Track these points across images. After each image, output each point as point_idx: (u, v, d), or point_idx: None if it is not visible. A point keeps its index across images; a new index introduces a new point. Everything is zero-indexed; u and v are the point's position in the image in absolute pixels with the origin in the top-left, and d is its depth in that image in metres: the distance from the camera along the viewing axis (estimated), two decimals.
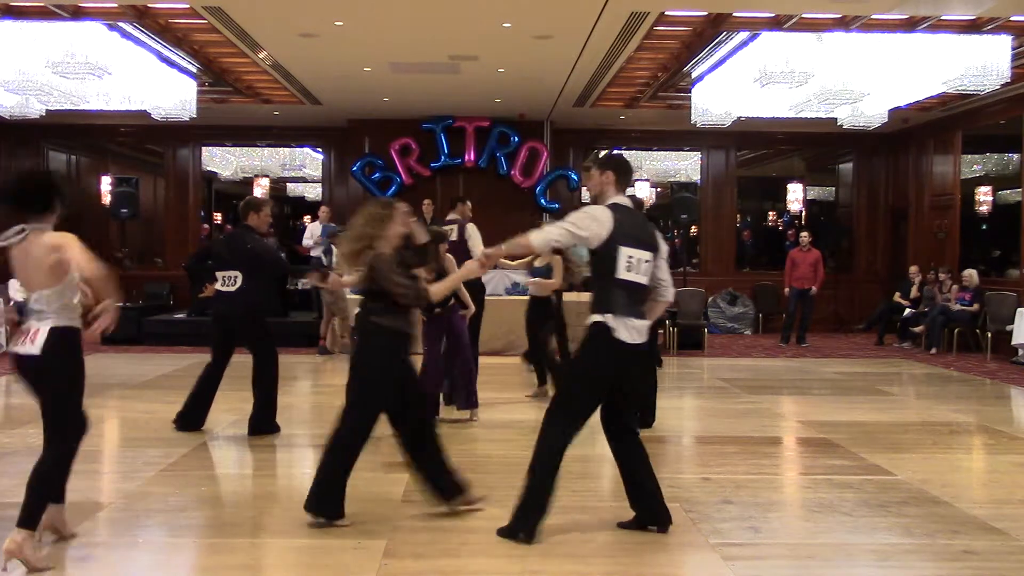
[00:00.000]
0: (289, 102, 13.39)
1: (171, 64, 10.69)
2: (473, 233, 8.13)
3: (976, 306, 12.12)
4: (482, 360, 11.04)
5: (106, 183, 15.01)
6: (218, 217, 18.25)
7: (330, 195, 16.04)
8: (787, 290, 13.24)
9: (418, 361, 6.33)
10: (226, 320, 6.43)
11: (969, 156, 14.05)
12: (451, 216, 8.13)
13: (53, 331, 3.78)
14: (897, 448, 6.28)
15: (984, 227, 14.19)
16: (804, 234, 13.48)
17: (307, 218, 18.34)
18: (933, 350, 12.21)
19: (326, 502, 4.31)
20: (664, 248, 4.27)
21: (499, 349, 11.59)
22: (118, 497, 4.90)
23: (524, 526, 4.12)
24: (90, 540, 4.24)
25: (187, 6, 8.64)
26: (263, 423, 6.47)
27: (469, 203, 8.43)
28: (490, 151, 14.71)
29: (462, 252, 7.84)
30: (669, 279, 4.30)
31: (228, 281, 6.34)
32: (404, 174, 14.71)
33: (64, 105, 9.81)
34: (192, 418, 6.54)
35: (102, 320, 3.68)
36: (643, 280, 4.15)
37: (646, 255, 4.14)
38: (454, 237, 7.78)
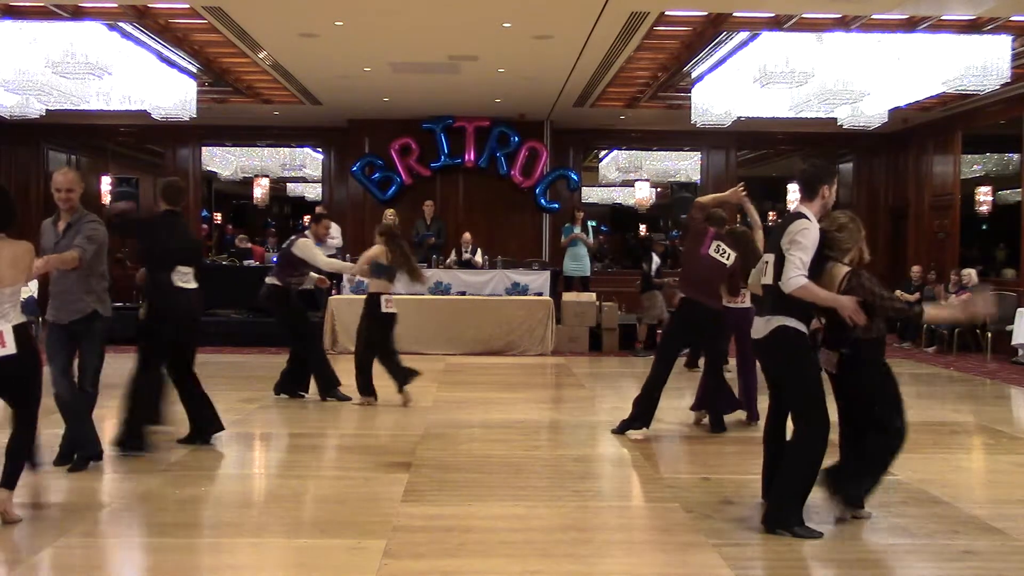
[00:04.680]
0: (289, 102, 13.39)
1: (171, 64, 10.68)
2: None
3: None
4: (482, 360, 11.12)
5: (106, 183, 15.02)
6: (218, 217, 18.26)
7: (330, 195, 16.05)
8: None
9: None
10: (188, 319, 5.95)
11: (969, 156, 14.05)
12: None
13: (17, 329, 4.22)
14: None
15: (984, 227, 14.20)
16: None
17: (307, 218, 18.34)
18: (952, 351, 12.21)
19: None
20: (784, 245, 4.30)
21: (499, 349, 11.61)
22: (118, 497, 4.90)
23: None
24: (90, 540, 4.24)
25: (187, 6, 8.63)
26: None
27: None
28: (490, 151, 14.71)
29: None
30: (785, 266, 4.28)
31: (187, 278, 5.84)
32: (404, 174, 14.71)
33: (64, 105, 9.80)
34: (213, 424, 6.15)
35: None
36: (766, 281, 4.46)
37: (767, 257, 4.50)
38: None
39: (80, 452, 5.31)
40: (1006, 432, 7.03)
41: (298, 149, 17.22)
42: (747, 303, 6.80)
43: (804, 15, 8.72)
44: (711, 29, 9.30)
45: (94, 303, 5.25)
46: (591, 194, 17.85)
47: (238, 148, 17.12)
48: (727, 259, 6.48)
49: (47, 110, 10.39)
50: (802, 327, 4.30)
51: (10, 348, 4.16)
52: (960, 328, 12.18)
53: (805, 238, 4.24)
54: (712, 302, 6.52)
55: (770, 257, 4.43)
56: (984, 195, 13.64)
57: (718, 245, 6.49)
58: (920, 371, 10.69)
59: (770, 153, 17.09)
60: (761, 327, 4.42)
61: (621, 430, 6.55)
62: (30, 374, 4.30)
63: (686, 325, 6.68)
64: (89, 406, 5.37)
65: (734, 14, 8.82)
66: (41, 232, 5.36)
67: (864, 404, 4.45)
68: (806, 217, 4.34)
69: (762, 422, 4.95)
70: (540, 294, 12.26)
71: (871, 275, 4.37)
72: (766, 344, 4.41)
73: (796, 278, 4.20)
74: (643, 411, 6.52)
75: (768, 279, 4.42)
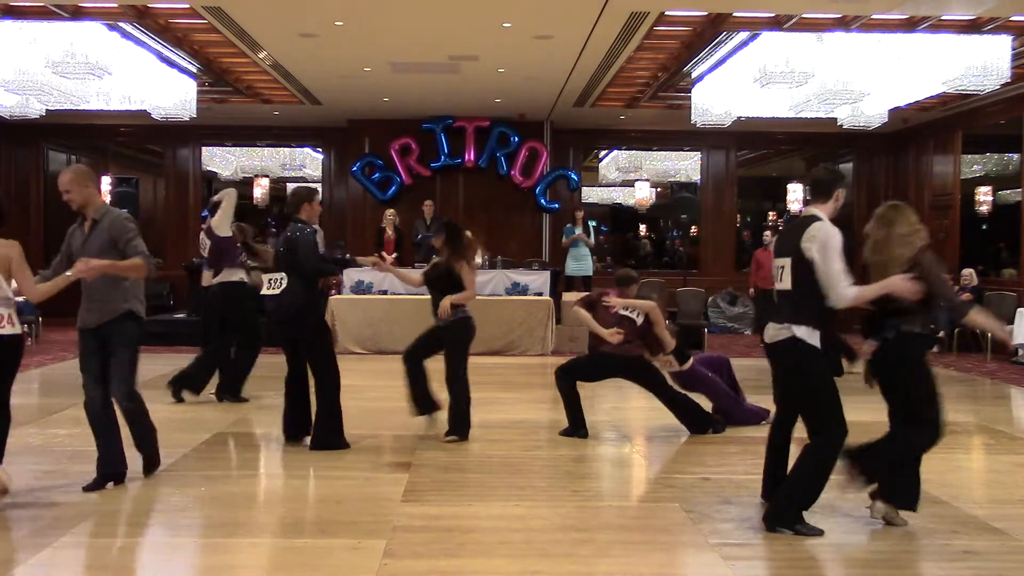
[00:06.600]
0: (289, 102, 13.39)
1: (171, 64, 10.68)
2: None
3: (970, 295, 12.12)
4: (482, 360, 11.10)
5: (106, 183, 15.00)
6: None
7: (330, 195, 16.03)
8: (751, 291, 12.16)
9: None
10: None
11: (969, 156, 14.05)
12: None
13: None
14: None
15: (984, 227, 14.19)
16: (767, 233, 13.54)
17: None
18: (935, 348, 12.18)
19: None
20: (808, 250, 4.16)
21: (499, 349, 11.60)
22: (117, 497, 4.89)
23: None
24: (90, 540, 4.24)
25: (187, 6, 8.64)
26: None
27: None
28: (490, 151, 14.71)
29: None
30: (830, 280, 4.12)
31: (274, 284, 6.09)
32: (404, 174, 14.72)
33: (64, 105, 9.80)
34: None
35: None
36: (782, 286, 4.33)
37: (781, 261, 4.34)
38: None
39: (101, 469, 4.98)
40: (1006, 432, 7.03)
41: (298, 149, 17.21)
42: (677, 367, 6.79)
43: (804, 15, 8.72)
44: (711, 29, 9.30)
45: (127, 302, 4.89)
46: (591, 194, 17.83)
47: (238, 148, 17.10)
48: (637, 317, 6.53)
49: (47, 110, 10.39)
50: (815, 337, 4.22)
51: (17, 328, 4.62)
52: (962, 328, 12.19)
53: (836, 243, 4.14)
54: (628, 349, 6.51)
55: (785, 262, 4.28)
56: (984, 195, 13.64)
57: (626, 305, 6.55)
58: None
59: (770, 153, 17.09)
60: (776, 333, 4.31)
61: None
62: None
63: (600, 371, 6.88)
64: (132, 419, 5.08)
65: (734, 14, 8.82)
66: (70, 238, 5.00)
67: (901, 398, 4.46)
68: (821, 219, 4.27)
69: (766, 427, 4.95)
70: (540, 294, 12.26)
71: (932, 256, 4.29)
72: (778, 351, 4.35)
73: (848, 289, 4.11)
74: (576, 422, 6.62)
75: (785, 284, 4.28)
